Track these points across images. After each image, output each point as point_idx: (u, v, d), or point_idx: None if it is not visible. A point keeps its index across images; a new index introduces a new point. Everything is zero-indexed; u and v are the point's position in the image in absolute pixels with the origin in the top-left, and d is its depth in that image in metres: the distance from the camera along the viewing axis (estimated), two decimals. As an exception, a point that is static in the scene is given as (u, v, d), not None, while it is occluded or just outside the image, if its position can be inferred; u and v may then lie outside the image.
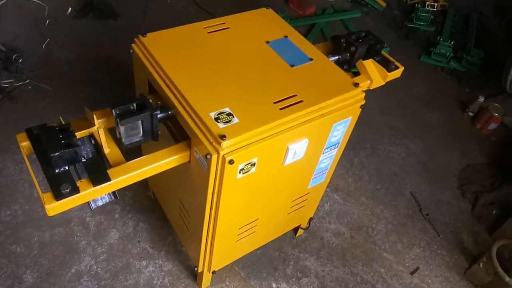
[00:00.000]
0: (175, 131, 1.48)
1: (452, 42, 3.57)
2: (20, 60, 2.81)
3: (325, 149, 1.56)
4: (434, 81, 3.49)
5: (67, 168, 1.17)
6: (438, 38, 3.63)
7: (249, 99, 1.34)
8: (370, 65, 1.58)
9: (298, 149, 1.39)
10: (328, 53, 1.66)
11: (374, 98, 3.06)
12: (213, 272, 1.84)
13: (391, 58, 1.70)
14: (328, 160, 1.66)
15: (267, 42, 1.58)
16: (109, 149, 1.29)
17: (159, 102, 1.35)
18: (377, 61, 1.63)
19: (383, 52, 1.72)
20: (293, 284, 2.05)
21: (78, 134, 1.27)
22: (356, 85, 1.46)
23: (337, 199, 2.45)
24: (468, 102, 3.21)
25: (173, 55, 1.44)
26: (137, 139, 1.30)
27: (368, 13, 4.14)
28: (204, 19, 1.63)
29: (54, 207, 1.12)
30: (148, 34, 1.49)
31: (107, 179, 1.19)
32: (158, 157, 1.30)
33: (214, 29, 1.60)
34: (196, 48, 1.51)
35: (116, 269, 1.98)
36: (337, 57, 1.66)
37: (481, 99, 3.08)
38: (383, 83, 1.64)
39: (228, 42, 1.56)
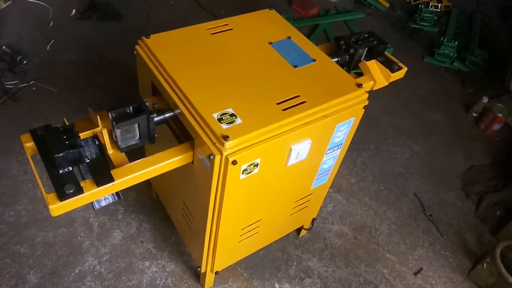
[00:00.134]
0: (178, 132, 1.49)
1: (455, 43, 3.56)
2: (25, 62, 2.82)
3: (328, 149, 1.56)
4: (438, 82, 3.48)
5: (71, 168, 1.17)
6: (441, 38, 3.62)
7: (252, 100, 1.34)
8: (373, 66, 1.58)
9: (301, 149, 1.39)
10: (328, 55, 1.66)
11: (377, 99, 3.06)
12: (216, 273, 1.85)
13: (394, 59, 1.70)
14: (331, 160, 1.66)
15: (270, 43, 1.59)
16: (112, 150, 1.30)
17: (156, 105, 1.34)
18: (381, 62, 1.63)
19: (386, 52, 1.72)
20: (296, 284, 2.04)
21: (82, 135, 1.27)
22: (359, 85, 1.46)
23: (340, 200, 2.45)
24: (472, 103, 3.20)
25: (177, 56, 1.45)
26: (134, 142, 1.29)
27: (371, 13, 4.13)
28: (207, 21, 1.63)
29: (58, 208, 1.13)
30: (151, 36, 1.50)
31: (111, 179, 1.20)
32: (161, 158, 1.30)
33: (217, 30, 1.61)
34: (199, 49, 1.51)
35: (119, 269, 1.99)
36: (336, 58, 1.66)
37: (485, 99, 3.07)
38: (387, 84, 1.63)
39: (231, 43, 1.56)
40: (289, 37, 1.63)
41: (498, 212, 2.51)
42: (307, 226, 2.13)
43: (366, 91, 1.48)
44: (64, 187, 1.13)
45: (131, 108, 1.24)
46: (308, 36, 3.56)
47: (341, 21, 3.91)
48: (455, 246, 2.34)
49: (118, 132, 1.23)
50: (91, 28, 3.33)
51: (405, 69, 1.67)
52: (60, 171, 1.16)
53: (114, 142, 1.28)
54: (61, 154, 1.13)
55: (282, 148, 1.35)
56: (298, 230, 2.20)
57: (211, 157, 1.20)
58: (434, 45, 3.71)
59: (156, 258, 2.04)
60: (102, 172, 1.21)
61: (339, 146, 1.60)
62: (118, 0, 3.59)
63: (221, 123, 1.23)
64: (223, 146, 1.19)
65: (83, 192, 1.15)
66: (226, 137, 1.19)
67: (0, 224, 2.06)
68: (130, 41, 1.64)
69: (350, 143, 1.65)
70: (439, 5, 4.15)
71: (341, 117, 1.43)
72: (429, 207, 2.50)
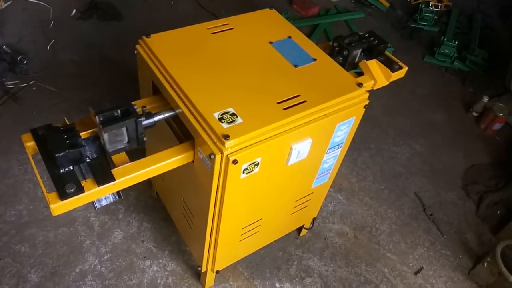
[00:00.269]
0: (179, 131, 1.49)
1: (456, 42, 3.56)
2: (25, 62, 2.83)
3: (328, 149, 1.56)
4: (438, 81, 3.48)
5: (71, 168, 1.18)
6: (442, 38, 3.62)
7: (252, 99, 1.34)
8: (373, 65, 1.58)
9: (301, 149, 1.39)
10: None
11: (378, 98, 3.06)
12: (217, 272, 1.85)
13: (394, 58, 1.70)
14: (331, 160, 1.66)
15: (271, 42, 1.59)
16: (113, 149, 1.30)
17: (145, 108, 1.32)
18: (381, 61, 1.63)
19: (386, 52, 1.72)
20: (297, 284, 2.05)
21: (83, 134, 1.27)
22: (359, 85, 1.46)
23: (340, 199, 2.45)
24: (472, 102, 3.20)
25: (177, 56, 1.45)
26: (122, 146, 1.26)
27: (372, 13, 4.13)
28: (208, 20, 1.64)
29: (59, 207, 1.13)
30: (152, 35, 1.50)
31: (112, 179, 1.20)
32: (162, 157, 1.30)
33: (218, 30, 1.61)
34: (200, 49, 1.51)
35: (120, 268, 1.99)
36: None
37: (486, 99, 3.07)
38: (387, 83, 1.63)
39: (231, 43, 1.56)
40: (289, 37, 1.64)
41: (498, 212, 2.51)
42: (307, 225, 2.13)
43: (367, 91, 1.48)
44: (65, 186, 1.13)
45: (119, 111, 1.22)
46: (309, 35, 3.56)
47: (342, 21, 3.91)
48: (455, 246, 2.34)
49: (105, 136, 1.20)
50: (91, 28, 3.34)
51: (405, 68, 1.67)
52: (61, 171, 1.16)
53: (102, 145, 1.25)
54: (62, 154, 1.13)
55: (283, 147, 1.35)
56: (299, 230, 2.20)
57: (212, 156, 1.20)
58: (434, 44, 3.71)
59: (156, 257, 2.05)
60: (102, 171, 1.21)
61: (340, 145, 1.60)
62: (119, 0, 3.59)
63: (222, 122, 1.24)
64: (224, 146, 1.19)
65: (84, 192, 1.15)
66: (226, 137, 1.19)
67: (1, 224, 2.06)
68: (130, 41, 1.64)
69: (351, 142, 1.65)
70: (440, 4, 4.15)
71: (342, 117, 1.43)
72: (429, 206, 2.51)
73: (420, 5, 4.03)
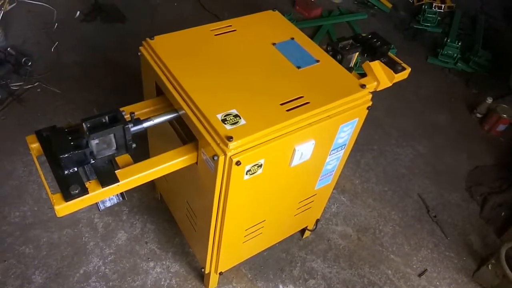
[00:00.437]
0: (182, 133, 1.49)
1: (459, 43, 3.55)
2: (29, 64, 2.84)
3: (331, 150, 1.56)
4: (442, 83, 3.47)
5: (76, 169, 1.18)
6: (445, 39, 3.61)
7: (255, 101, 1.34)
8: (376, 67, 1.58)
9: (304, 150, 1.39)
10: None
11: (381, 100, 3.06)
12: (220, 273, 1.85)
13: (398, 60, 1.70)
14: (334, 161, 1.66)
15: (274, 44, 1.59)
16: (117, 150, 1.30)
17: (133, 115, 1.31)
18: (384, 63, 1.63)
19: (389, 53, 1.72)
20: (300, 285, 2.04)
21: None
22: (362, 86, 1.46)
23: (344, 201, 2.45)
24: (476, 104, 3.19)
25: (181, 57, 1.45)
26: (110, 153, 1.25)
27: (375, 14, 4.13)
28: (211, 22, 1.64)
29: (63, 208, 1.14)
30: (155, 37, 1.50)
31: (116, 180, 1.20)
32: (166, 158, 1.31)
33: (221, 31, 1.61)
34: (203, 50, 1.52)
35: (124, 270, 1.99)
36: None
37: (489, 100, 3.06)
38: (390, 85, 1.63)
39: (234, 45, 1.57)
40: (292, 38, 1.64)
41: (503, 213, 2.50)
42: (311, 227, 2.13)
43: (370, 92, 1.48)
44: (69, 187, 1.13)
45: (106, 117, 1.21)
46: (311, 37, 3.56)
47: (345, 22, 3.90)
48: (459, 247, 2.33)
49: (93, 142, 1.19)
50: (95, 30, 3.35)
51: (408, 69, 1.67)
52: (65, 172, 1.16)
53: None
54: (66, 155, 1.14)
55: (286, 148, 1.35)
56: (302, 231, 2.20)
57: (215, 158, 1.20)
58: (437, 45, 3.70)
59: (160, 258, 2.05)
60: (107, 172, 1.22)
61: (343, 146, 1.60)
62: (122, 2, 3.61)
63: (225, 123, 1.24)
64: (227, 147, 1.19)
65: (88, 193, 1.16)
66: (230, 138, 1.19)
67: (5, 225, 2.07)
68: (134, 43, 1.65)
69: (354, 143, 1.65)
70: (443, 5, 4.14)
71: (345, 118, 1.43)
72: (433, 208, 2.50)
73: (423, 6, 4.03)
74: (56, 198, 1.13)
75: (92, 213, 2.17)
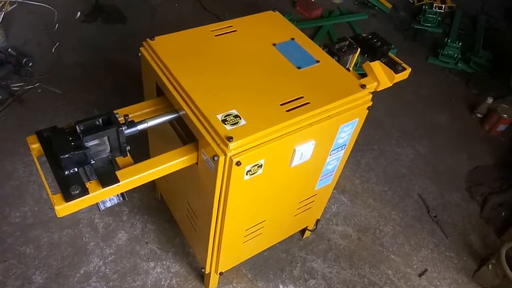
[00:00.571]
0: (183, 133, 1.49)
1: (460, 44, 3.55)
2: (30, 64, 2.84)
3: (332, 150, 1.56)
4: (442, 83, 3.47)
5: (76, 169, 1.18)
6: (445, 39, 3.61)
7: (256, 101, 1.35)
8: (377, 67, 1.58)
9: (305, 150, 1.39)
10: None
11: (381, 100, 3.06)
12: (220, 274, 1.85)
13: (398, 60, 1.70)
14: (335, 161, 1.66)
15: (274, 44, 1.59)
16: (117, 151, 1.30)
17: (127, 117, 1.31)
18: (384, 63, 1.63)
19: (390, 53, 1.72)
20: (300, 285, 2.04)
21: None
22: (363, 86, 1.46)
23: (344, 201, 2.45)
24: (476, 104, 3.19)
25: (181, 58, 1.45)
26: (104, 155, 1.26)
27: (375, 15, 4.13)
28: (211, 23, 1.64)
29: (63, 208, 1.14)
30: (156, 38, 1.51)
31: (116, 180, 1.21)
32: (166, 159, 1.31)
33: (221, 32, 1.61)
34: (204, 51, 1.52)
35: (124, 270, 1.99)
36: None
37: (490, 100, 3.06)
38: (390, 85, 1.63)
39: (235, 45, 1.57)
40: (292, 39, 1.64)
41: (503, 213, 2.50)
42: (311, 227, 2.13)
43: (370, 92, 1.49)
44: (70, 188, 1.14)
45: (100, 120, 1.22)
46: (312, 37, 3.57)
47: (345, 23, 3.91)
48: (460, 248, 2.33)
49: (87, 145, 1.19)
50: (96, 30, 3.36)
51: (409, 70, 1.67)
52: (66, 172, 1.17)
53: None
54: (66, 155, 1.14)
55: (286, 149, 1.35)
56: (302, 231, 2.20)
57: (215, 158, 1.21)
58: (438, 46, 3.70)
59: (160, 259, 2.05)
60: (107, 173, 1.22)
61: (343, 147, 1.60)
62: (123, 3, 3.61)
63: (225, 124, 1.24)
64: (227, 147, 1.19)
65: (88, 193, 1.16)
66: (230, 138, 1.19)
67: (6, 225, 2.08)
68: (134, 43, 1.65)
69: (354, 144, 1.65)
70: (443, 5, 4.14)
71: (345, 118, 1.43)
72: (433, 208, 2.50)
73: (423, 7, 4.03)
74: (56, 198, 1.13)
75: (92, 213, 2.17)
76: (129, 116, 1.34)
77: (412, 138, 2.92)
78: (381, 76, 1.58)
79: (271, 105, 1.34)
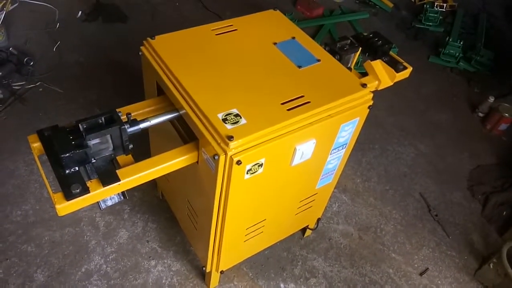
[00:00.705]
0: (183, 132, 1.49)
1: (461, 43, 3.54)
2: (31, 63, 2.85)
3: (332, 149, 1.56)
4: (443, 82, 3.46)
5: (77, 168, 1.19)
6: (447, 38, 3.61)
7: (256, 100, 1.35)
8: (378, 66, 1.58)
9: (305, 149, 1.39)
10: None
11: (382, 99, 3.05)
12: (221, 272, 1.85)
13: (399, 59, 1.70)
14: (336, 160, 1.66)
15: (275, 43, 1.59)
16: (118, 150, 1.31)
17: (130, 115, 1.31)
18: (385, 62, 1.63)
19: (391, 52, 1.72)
20: (301, 284, 2.05)
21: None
22: (364, 85, 1.46)
23: (345, 200, 2.45)
24: (478, 103, 3.18)
25: (182, 57, 1.45)
26: (107, 154, 1.26)
27: (377, 14, 4.13)
28: (212, 22, 1.64)
29: (64, 207, 1.14)
30: (156, 37, 1.51)
31: (117, 179, 1.21)
32: (167, 158, 1.31)
33: (222, 31, 1.61)
34: (204, 50, 1.52)
35: (125, 268, 2.00)
36: None
37: (491, 99, 3.06)
38: (391, 84, 1.63)
39: (235, 44, 1.57)
40: (293, 38, 1.64)
41: (504, 212, 2.50)
42: (312, 226, 2.13)
43: (371, 91, 1.48)
44: (71, 186, 1.14)
45: (103, 118, 1.22)
46: (313, 36, 3.56)
47: (346, 22, 3.90)
48: (461, 246, 2.33)
49: (89, 143, 1.20)
50: (97, 29, 3.36)
51: (410, 69, 1.67)
52: (67, 171, 1.17)
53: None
54: (67, 154, 1.14)
55: (287, 148, 1.35)
56: (303, 230, 2.20)
57: (216, 157, 1.21)
58: (439, 45, 3.69)
59: (161, 257, 2.06)
60: (108, 172, 1.22)
61: (344, 146, 1.60)
62: (124, 2, 3.62)
63: (226, 123, 1.24)
64: (228, 146, 1.19)
65: (89, 192, 1.16)
66: (230, 137, 1.19)
67: (7, 224, 2.08)
68: (135, 42, 1.65)
69: (355, 143, 1.65)
70: (445, 5, 4.13)
71: (346, 117, 1.43)
72: (435, 207, 2.50)
73: (425, 6, 4.02)
74: (57, 197, 1.13)
75: (93, 212, 2.18)
76: (131, 114, 1.35)
77: (414, 137, 2.92)
78: (382, 75, 1.58)
79: (271, 104, 1.34)
